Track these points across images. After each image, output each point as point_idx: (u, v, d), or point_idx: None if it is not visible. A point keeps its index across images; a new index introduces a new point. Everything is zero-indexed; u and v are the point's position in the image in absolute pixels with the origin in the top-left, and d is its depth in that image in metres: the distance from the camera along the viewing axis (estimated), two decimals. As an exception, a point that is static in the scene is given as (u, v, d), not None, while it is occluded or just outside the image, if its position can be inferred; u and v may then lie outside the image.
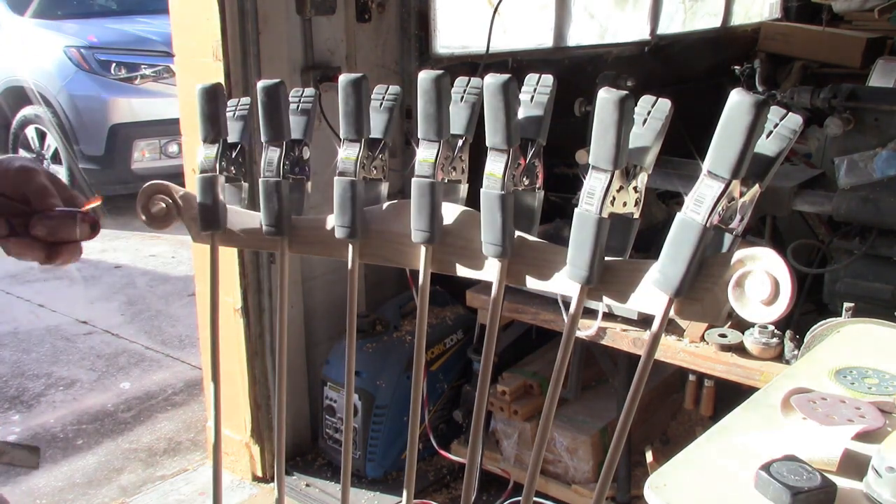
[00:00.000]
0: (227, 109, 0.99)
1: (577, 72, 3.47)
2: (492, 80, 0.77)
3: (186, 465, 3.03)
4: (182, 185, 1.15)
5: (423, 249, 0.88)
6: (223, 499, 1.04)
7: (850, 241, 2.47)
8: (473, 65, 2.95)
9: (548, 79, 0.81)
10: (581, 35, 3.71)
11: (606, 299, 0.79)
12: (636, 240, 0.79)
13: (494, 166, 0.80)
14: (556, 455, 2.69)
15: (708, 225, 0.69)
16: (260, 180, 0.95)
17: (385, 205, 0.94)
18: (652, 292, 0.74)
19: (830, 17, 4.90)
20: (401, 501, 1.03)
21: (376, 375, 2.72)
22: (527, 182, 0.83)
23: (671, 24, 4.31)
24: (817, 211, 2.55)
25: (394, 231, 0.91)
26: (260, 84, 0.93)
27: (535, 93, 0.81)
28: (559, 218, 2.71)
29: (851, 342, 1.64)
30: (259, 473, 2.89)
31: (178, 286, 4.69)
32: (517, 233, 0.83)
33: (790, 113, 0.69)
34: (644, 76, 3.55)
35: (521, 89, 0.80)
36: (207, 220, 0.99)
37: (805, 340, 1.96)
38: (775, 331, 2.18)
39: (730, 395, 2.26)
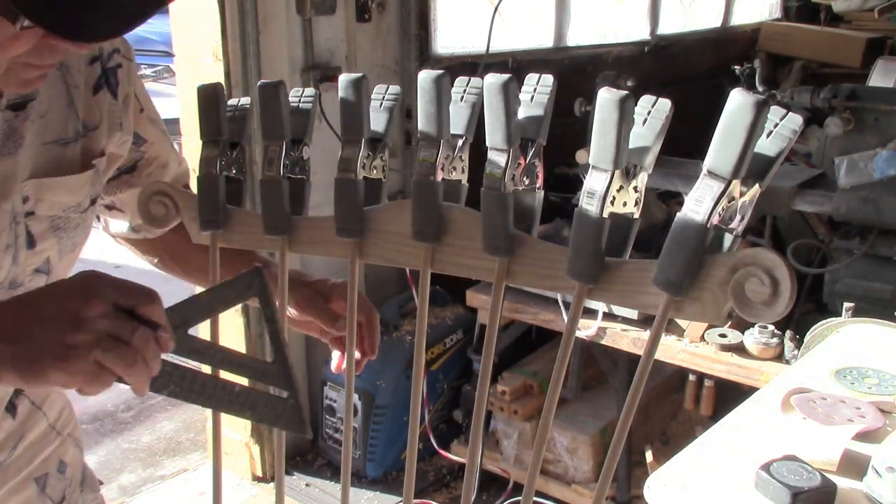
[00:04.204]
0: (227, 109, 0.98)
1: (577, 72, 3.47)
2: (492, 80, 0.77)
3: (186, 465, 3.03)
4: (182, 185, 1.15)
5: (423, 249, 0.88)
6: (223, 499, 1.04)
7: (850, 241, 2.47)
8: (473, 65, 2.95)
9: (548, 79, 0.81)
10: (581, 35, 3.72)
11: (606, 299, 0.79)
12: (636, 240, 0.79)
13: (494, 166, 0.80)
14: (556, 455, 2.70)
15: (708, 225, 0.69)
16: (260, 180, 0.95)
17: (385, 205, 0.94)
18: (652, 292, 0.74)
19: (830, 17, 4.90)
20: (401, 501, 1.03)
21: (376, 375, 2.72)
22: (527, 182, 0.83)
23: (671, 24, 4.31)
24: (817, 211, 2.55)
25: (394, 231, 0.91)
26: (260, 84, 0.93)
27: (535, 93, 0.80)
28: (559, 218, 2.71)
29: (851, 342, 1.64)
30: (259, 473, 2.89)
31: (179, 286, 4.68)
32: (517, 233, 0.83)
33: (790, 113, 0.69)
34: (644, 76, 3.55)
35: (521, 89, 0.80)
36: (207, 220, 0.99)
37: (805, 340, 1.96)
38: (775, 331, 2.18)
39: (730, 395, 2.26)
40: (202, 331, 0.97)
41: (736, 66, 3.44)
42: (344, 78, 0.89)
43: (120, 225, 1.15)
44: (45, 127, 0.92)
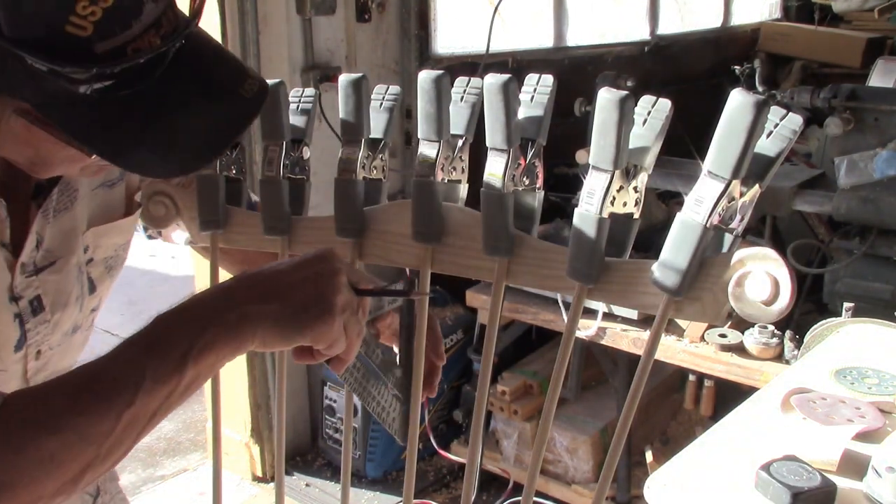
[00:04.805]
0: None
1: (577, 72, 3.47)
2: (492, 80, 0.77)
3: (186, 465, 3.03)
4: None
5: (423, 249, 0.88)
6: (223, 499, 1.04)
7: (850, 241, 2.47)
8: (473, 65, 2.95)
9: (548, 79, 0.81)
10: (581, 35, 3.72)
11: (606, 299, 0.79)
12: (636, 240, 0.79)
13: (494, 166, 0.80)
14: (556, 455, 2.69)
15: (708, 225, 0.69)
16: (260, 180, 0.95)
17: (385, 205, 0.94)
18: (652, 292, 0.74)
19: (828, 17, 4.89)
20: (401, 501, 1.03)
21: (376, 375, 2.72)
22: (527, 182, 0.83)
23: (671, 24, 4.31)
24: (817, 211, 2.55)
25: (394, 231, 0.91)
26: (260, 84, 0.93)
27: (535, 93, 0.81)
28: (559, 218, 2.71)
29: (851, 342, 1.64)
30: (259, 473, 2.88)
31: (178, 286, 4.68)
32: (517, 233, 0.83)
33: (790, 113, 0.69)
34: (644, 76, 3.55)
35: (521, 89, 0.80)
36: (207, 221, 0.99)
37: (805, 340, 1.96)
38: (775, 331, 2.18)
39: (730, 395, 2.26)
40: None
41: (736, 66, 3.44)
42: (344, 78, 0.89)
43: (179, 237, 1.15)
44: None
